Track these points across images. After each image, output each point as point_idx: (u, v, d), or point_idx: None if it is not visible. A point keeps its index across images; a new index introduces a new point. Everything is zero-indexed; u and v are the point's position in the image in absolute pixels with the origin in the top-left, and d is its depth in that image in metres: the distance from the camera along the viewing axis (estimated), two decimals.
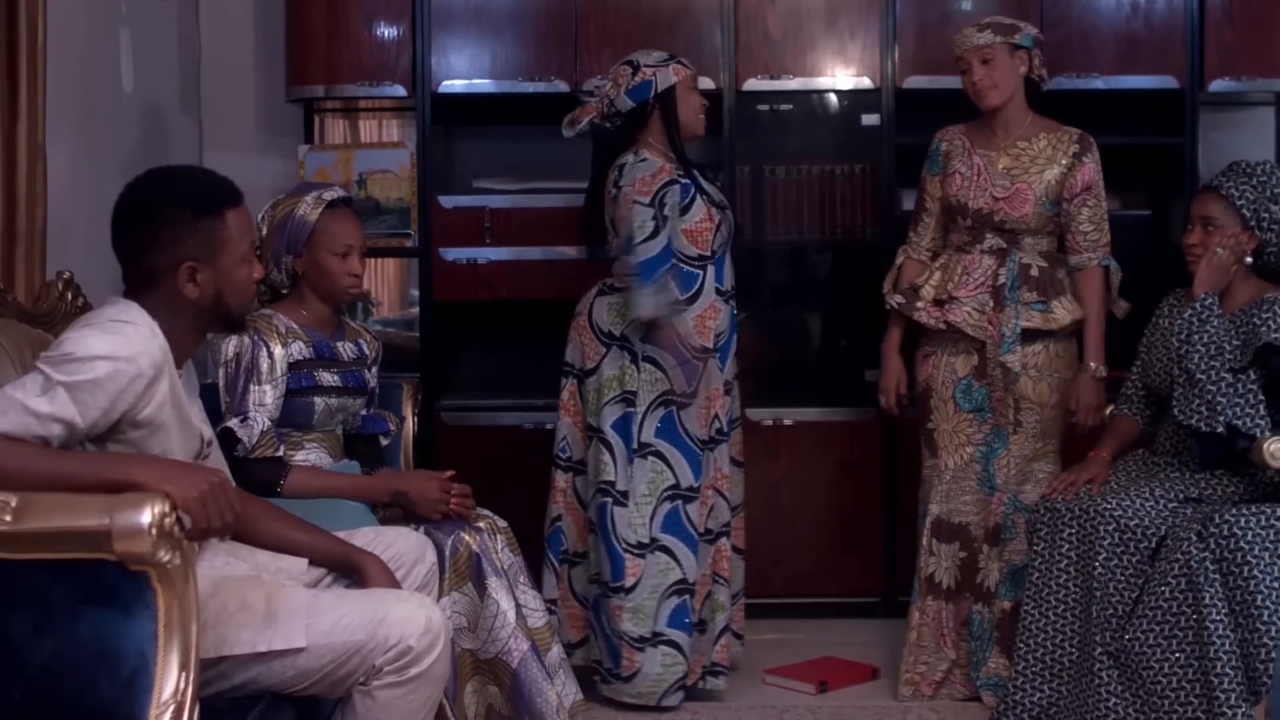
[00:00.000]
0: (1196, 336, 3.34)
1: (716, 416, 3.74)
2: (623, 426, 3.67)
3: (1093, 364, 3.71)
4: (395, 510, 3.19)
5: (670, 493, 3.68)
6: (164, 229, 2.38)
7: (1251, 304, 3.39)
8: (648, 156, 3.67)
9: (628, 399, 3.67)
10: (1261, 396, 3.29)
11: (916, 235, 3.92)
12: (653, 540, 3.66)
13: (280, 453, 3.08)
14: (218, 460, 2.63)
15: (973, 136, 3.82)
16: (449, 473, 3.22)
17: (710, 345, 3.71)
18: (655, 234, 3.60)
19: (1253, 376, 3.31)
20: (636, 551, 3.65)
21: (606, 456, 3.67)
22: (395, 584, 2.66)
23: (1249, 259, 3.43)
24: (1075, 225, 3.72)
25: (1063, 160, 3.71)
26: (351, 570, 2.67)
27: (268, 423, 3.08)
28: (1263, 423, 3.27)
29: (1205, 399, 3.30)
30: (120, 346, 2.26)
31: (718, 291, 3.74)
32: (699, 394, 3.71)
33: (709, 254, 3.71)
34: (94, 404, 2.24)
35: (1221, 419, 3.28)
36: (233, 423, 3.05)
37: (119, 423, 2.29)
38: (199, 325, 2.47)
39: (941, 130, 3.90)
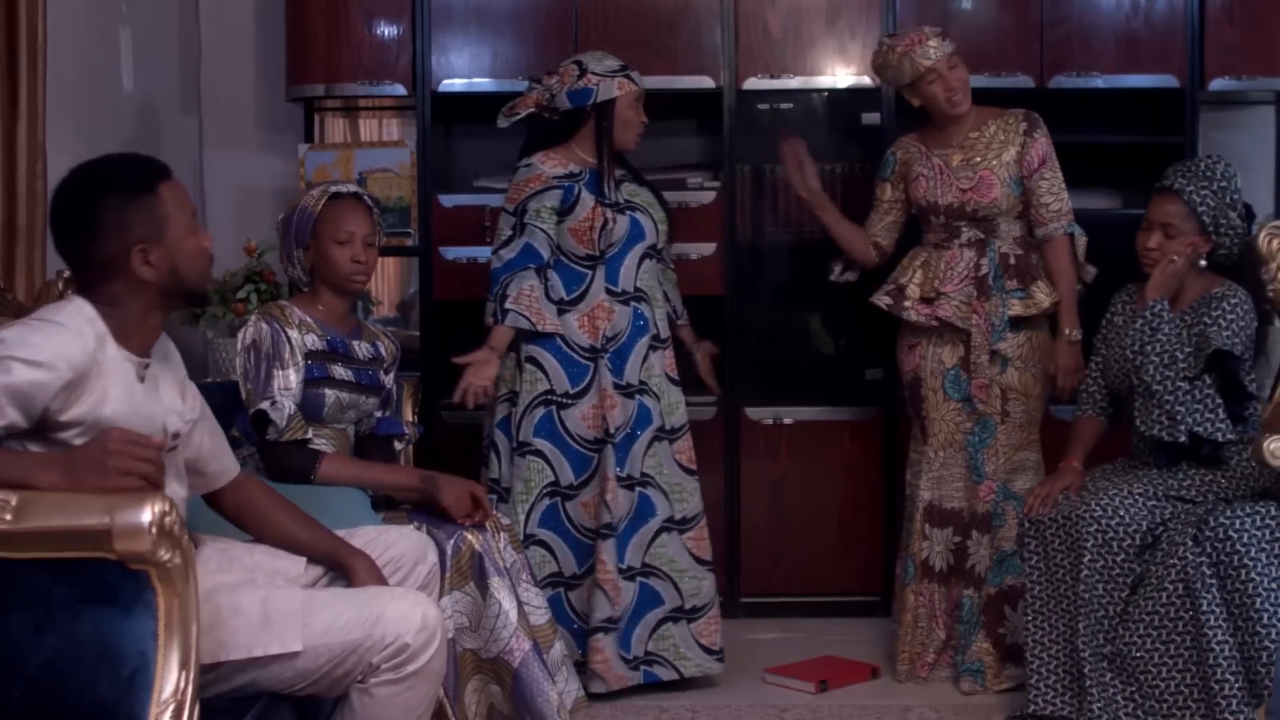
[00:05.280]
0: (1149, 347, 3.37)
1: (604, 418, 3.72)
2: (506, 425, 3.76)
3: (1067, 330, 3.82)
4: (398, 513, 3.19)
5: (550, 489, 3.73)
6: (105, 218, 2.33)
7: (1200, 301, 3.43)
8: (532, 162, 3.76)
9: (511, 399, 3.76)
10: (1220, 400, 3.32)
11: (868, 222, 4.07)
12: (528, 536, 3.70)
13: (308, 435, 3.10)
14: (215, 444, 2.60)
15: (926, 141, 3.94)
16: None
17: (597, 345, 3.73)
18: (508, 242, 3.72)
19: (1208, 382, 3.33)
20: None
21: (493, 455, 3.78)
22: (383, 583, 2.66)
23: (1203, 263, 3.47)
24: (1037, 199, 3.83)
25: (1015, 140, 3.83)
26: (339, 567, 2.66)
27: (294, 406, 3.09)
28: (1223, 426, 3.31)
29: (1164, 410, 3.34)
30: (32, 350, 2.19)
31: (611, 293, 3.76)
32: (589, 394, 3.72)
33: (597, 253, 3.74)
34: (7, 405, 2.17)
35: (1182, 428, 3.32)
36: (264, 405, 3.06)
37: (46, 422, 2.22)
38: (162, 305, 2.40)
39: (895, 143, 4.02)
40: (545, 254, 3.70)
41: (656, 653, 3.78)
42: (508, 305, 3.66)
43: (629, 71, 3.81)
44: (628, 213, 3.78)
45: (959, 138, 3.87)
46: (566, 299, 3.75)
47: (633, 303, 3.79)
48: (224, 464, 2.64)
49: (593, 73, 3.76)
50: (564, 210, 3.73)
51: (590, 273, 3.76)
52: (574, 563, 3.75)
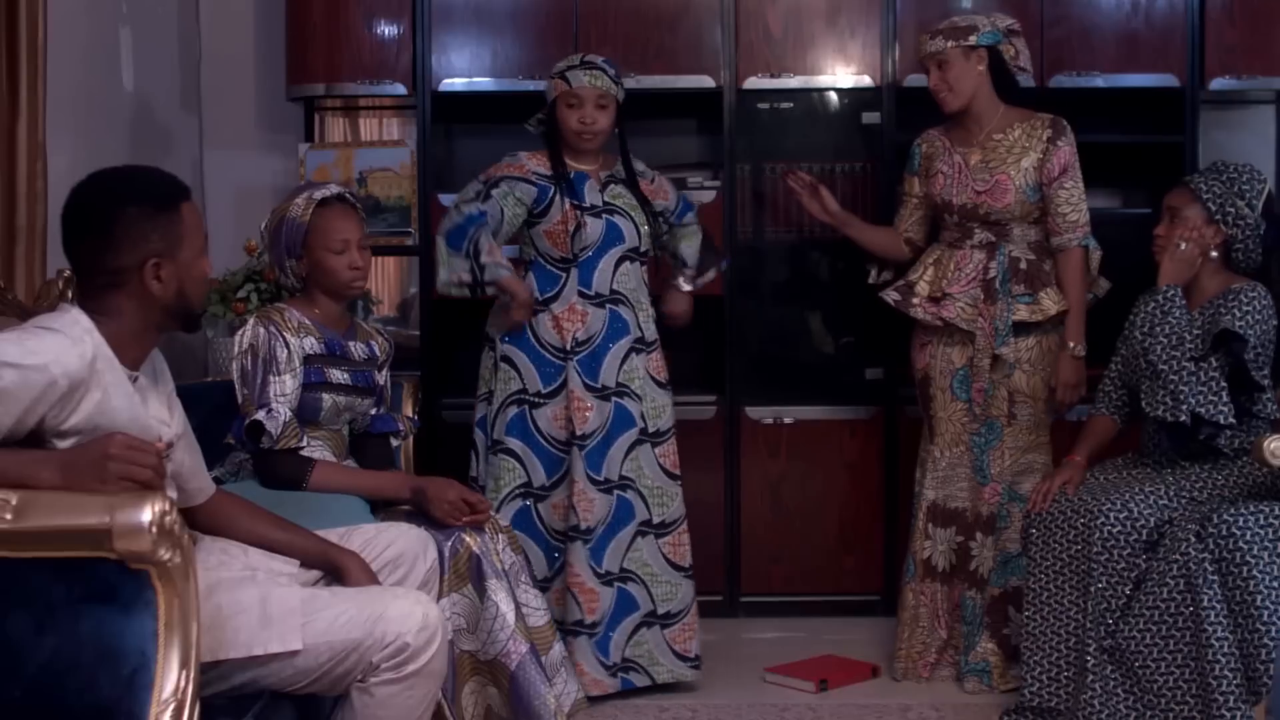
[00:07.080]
0: (1159, 328, 3.39)
1: (570, 420, 3.71)
2: (483, 424, 3.79)
3: (1071, 343, 3.79)
4: (396, 510, 3.19)
5: (521, 490, 3.73)
6: (128, 226, 2.32)
7: (1218, 296, 3.45)
8: (519, 154, 3.80)
9: (487, 398, 3.79)
10: (1224, 384, 3.33)
11: (898, 218, 4.06)
12: None
13: (303, 443, 3.09)
14: (194, 462, 2.59)
15: (951, 136, 3.91)
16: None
17: (565, 348, 3.73)
18: (474, 199, 3.72)
19: (1214, 364, 3.35)
20: None
21: (472, 453, 3.80)
22: (375, 580, 2.66)
23: (1214, 254, 3.48)
24: (1054, 208, 3.80)
25: (1038, 146, 3.80)
26: (332, 569, 2.66)
27: (289, 413, 3.08)
28: (1225, 410, 3.31)
29: (1169, 390, 3.34)
30: (27, 355, 2.18)
31: (584, 295, 3.76)
32: (559, 395, 3.72)
33: (570, 256, 3.74)
34: (5, 412, 2.17)
35: (1185, 408, 3.32)
36: (260, 415, 3.05)
37: (44, 431, 2.21)
38: (160, 323, 2.40)
39: (922, 134, 4.00)
40: (498, 229, 3.70)
41: (632, 659, 3.77)
42: (484, 260, 3.65)
43: (566, 70, 3.78)
44: (604, 216, 3.77)
45: (981, 137, 3.84)
46: (540, 299, 3.76)
47: (608, 305, 3.78)
48: (201, 482, 2.62)
49: (553, 74, 3.80)
50: (538, 212, 3.74)
51: (564, 275, 3.76)
52: (544, 565, 3.74)
